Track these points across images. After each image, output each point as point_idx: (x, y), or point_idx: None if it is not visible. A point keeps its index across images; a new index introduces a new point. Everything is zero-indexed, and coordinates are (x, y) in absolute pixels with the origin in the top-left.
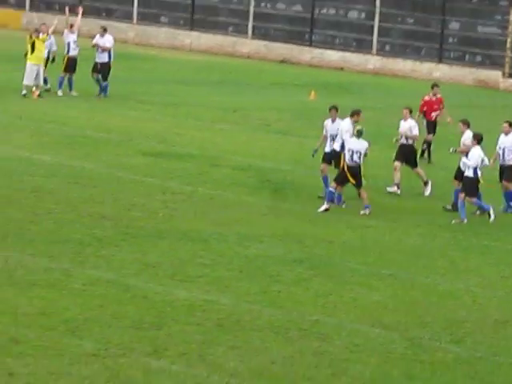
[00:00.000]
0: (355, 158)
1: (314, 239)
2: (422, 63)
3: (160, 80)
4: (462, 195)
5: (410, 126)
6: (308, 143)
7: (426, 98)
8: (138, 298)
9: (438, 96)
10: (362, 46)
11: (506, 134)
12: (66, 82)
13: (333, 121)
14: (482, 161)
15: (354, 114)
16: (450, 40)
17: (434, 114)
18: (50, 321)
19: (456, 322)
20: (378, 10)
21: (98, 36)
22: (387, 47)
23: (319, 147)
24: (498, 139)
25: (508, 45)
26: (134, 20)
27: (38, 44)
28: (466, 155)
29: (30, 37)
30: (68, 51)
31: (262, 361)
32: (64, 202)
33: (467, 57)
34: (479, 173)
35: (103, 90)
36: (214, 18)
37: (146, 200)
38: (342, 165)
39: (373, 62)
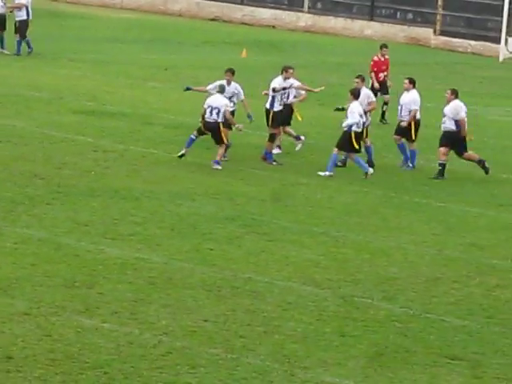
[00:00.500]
0: (214, 115)
1: (245, 197)
2: (353, 21)
3: (91, 38)
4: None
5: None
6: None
7: (375, 58)
8: (70, 256)
9: (386, 57)
10: (294, 4)
11: (407, 90)
12: None
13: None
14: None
15: (283, 70)
16: None
17: (381, 75)
18: None
19: (388, 279)
20: None
21: None
22: (319, 5)
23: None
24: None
25: (439, 2)
26: None
27: None
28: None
29: None
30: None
31: (194, 319)
32: None
33: (399, 14)
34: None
35: (20, 47)
36: None
37: (77, 158)
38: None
39: (304, 19)
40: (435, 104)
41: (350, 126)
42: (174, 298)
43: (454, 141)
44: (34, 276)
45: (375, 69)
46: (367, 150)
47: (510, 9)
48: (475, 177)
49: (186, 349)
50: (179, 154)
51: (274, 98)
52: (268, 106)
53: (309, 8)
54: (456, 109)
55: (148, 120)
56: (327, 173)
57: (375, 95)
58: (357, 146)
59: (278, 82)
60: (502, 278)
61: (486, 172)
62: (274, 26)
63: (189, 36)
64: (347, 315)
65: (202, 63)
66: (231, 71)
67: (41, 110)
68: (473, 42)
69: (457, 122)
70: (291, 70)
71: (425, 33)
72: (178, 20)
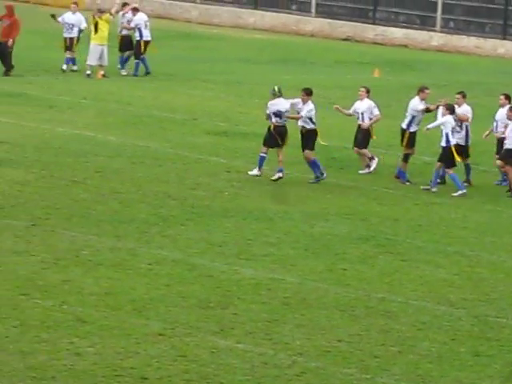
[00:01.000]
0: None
1: (379, 217)
2: (486, 40)
3: (224, 59)
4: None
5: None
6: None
7: None
8: (204, 277)
9: None
10: (426, 23)
11: (502, 106)
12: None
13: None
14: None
15: (420, 90)
16: None
17: None
18: (116, 301)
19: None
20: None
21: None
22: (451, 24)
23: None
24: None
25: None
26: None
27: (101, 24)
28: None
29: (93, 17)
30: (121, 31)
31: (328, 339)
32: (129, 182)
33: None
34: None
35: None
36: None
37: (211, 179)
38: (404, 144)
39: (436, 38)
40: None
41: (449, 141)
42: (308, 318)
43: None
44: (169, 297)
45: None
46: (466, 167)
47: None
48: None
49: (320, 369)
50: (272, 178)
51: (413, 118)
52: (405, 126)
53: (441, 27)
54: None
55: None
56: (459, 192)
57: None
58: (458, 159)
59: (415, 104)
60: None
61: None
62: (406, 46)
63: (321, 56)
64: (481, 335)
65: (334, 83)
66: (306, 91)
67: (175, 131)
68: None
69: None
70: (427, 91)
71: None
72: (311, 40)
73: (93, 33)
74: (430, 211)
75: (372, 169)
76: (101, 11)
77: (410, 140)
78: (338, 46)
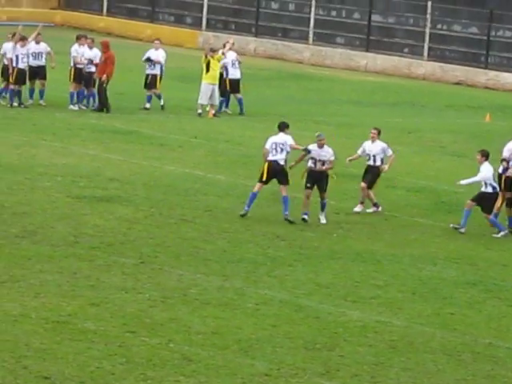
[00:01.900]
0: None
1: (487, 262)
2: None
3: (335, 100)
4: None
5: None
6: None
7: None
8: (311, 318)
9: None
10: None
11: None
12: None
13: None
14: None
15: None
16: None
17: None
18: (222, 340)
19: None
20: None
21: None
22: None
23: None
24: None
25: None
26: (310, 40)
27: (212, 63)
28: None
29: (205, 56)
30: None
31: (434, 383)
32: (238, 222)
33: None
34: None
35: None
36: (389, 39)
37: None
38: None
39: None
40: None
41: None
42: (414, 361)
43: None
44: (275, 337)
45: None
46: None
47: None
48: None
49: None
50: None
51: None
52: (500, 170)
53: None
54: None
55: (391, 183)
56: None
57: None
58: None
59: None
60: None
61: None
62: None
63: (432, 99)
64: None
65: (445, 127)
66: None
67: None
68: None
69: None
70: None
71: None
72: (422, 83)
73: (204, 72)
74: None
75: (378, 209)
76: (213, 50)
77: (506, 184)
78: (449, 90)
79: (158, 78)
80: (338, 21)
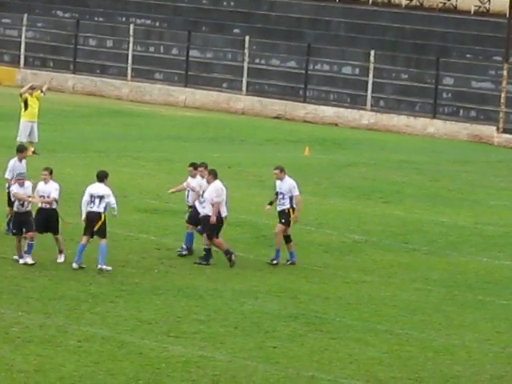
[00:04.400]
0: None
1: (309, 295)
2: (416, 118)
3: (155, 136)
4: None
5: None
6: (302, 199)
7: None
8: (134, 354)
9: None
10: (357, 102)
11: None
12: None
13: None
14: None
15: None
16: (444, 95)
17: None
18: (45, 378)
19: (452, 377)
20: (371, 66)
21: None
22: (381, 103)
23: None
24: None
25: (502, 100)
26: (129, 77)
27: (31, 101)
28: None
29: (21, 95)
30: None
31: None
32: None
33: (461, 112)
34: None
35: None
36: (208, 74)
37: (140, 256)
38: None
39: (367, 117)
40: (498, 202)
41: None
42: None
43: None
44: (98, 374)
45: None
46: None
47: None
48: None
49: None
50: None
51: None
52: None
53: (371, 106)
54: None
55: None
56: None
57: None
58: None
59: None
60: None
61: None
62: (336, 124)
63: (252, 134)
64: None
65: (264, 161)
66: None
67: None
68: None
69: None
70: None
71: (488, 130)
72: (241, 118)
73: (23, 110)
74: (359, 289)
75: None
76: (32, 88)
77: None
78: (268, 124)
79: None
80: (156, 56)
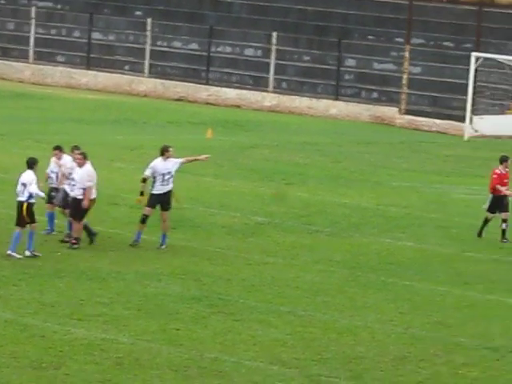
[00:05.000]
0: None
1: (212, 277)
2: (318, 100)
3: (57, 119)
4: None
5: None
6: (204, 181)
7: (497, 171)
8: (36, 337)
9: (507, 169)
10: (259, 84)
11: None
12: None
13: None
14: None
15: (163, 150)
16: (347, 77)
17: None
18: None
19: (355, 358)
20: (273, 48)
21: None
22: (284, 84)
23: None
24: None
25: (404, 81)
26: (31, 59)
27: None
28: None
29: None
30: None
31: None
32: None
33: (363, 93)
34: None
35: None
36: (110, 57)
37: (43, 239)
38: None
39: (269, 99)
40: (400, 183)
41: None
42: (141, 378)
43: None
44: (1, 357)
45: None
46: None
47: (474, 87)
48: (441, 255)
49: None
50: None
51: None
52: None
53: (274, 87)
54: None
55: (114, 201)
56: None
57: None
58: None
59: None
60: (468, 356)
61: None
62: (239, 106)
63: (154, 116)
64: None
65: (167, 143)
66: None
67: (7, 192)
68: (438, 121)
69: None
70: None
71: (390, 112)
72: (144, 100)
73: None
74: (262, 271)
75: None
76: None
77: None
78: (170, 107)
79: None
80: (58, 39)
